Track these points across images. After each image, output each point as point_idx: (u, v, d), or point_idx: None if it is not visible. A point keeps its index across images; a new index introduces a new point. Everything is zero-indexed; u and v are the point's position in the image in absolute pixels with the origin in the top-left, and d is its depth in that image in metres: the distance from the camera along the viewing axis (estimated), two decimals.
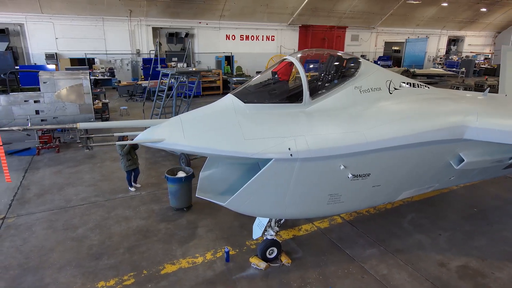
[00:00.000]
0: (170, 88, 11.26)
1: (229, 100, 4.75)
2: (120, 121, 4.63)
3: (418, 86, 6.11)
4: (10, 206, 7.83)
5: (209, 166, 5.71)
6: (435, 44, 39.11)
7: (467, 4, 34.43)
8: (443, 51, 39.98)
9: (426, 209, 7.89)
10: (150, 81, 20.36)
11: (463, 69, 31.87)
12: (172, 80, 11.51)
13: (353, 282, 5.56)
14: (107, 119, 15.09)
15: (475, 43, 41.60)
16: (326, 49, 6.10)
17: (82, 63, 23.63)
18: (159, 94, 11.34)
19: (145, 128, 4.66)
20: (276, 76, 5.05)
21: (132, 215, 7.52)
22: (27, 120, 8.48)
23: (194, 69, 10.59)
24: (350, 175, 4.78)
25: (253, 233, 5.94)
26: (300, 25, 31.11)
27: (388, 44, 37.25)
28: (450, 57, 37.14)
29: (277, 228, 5.80)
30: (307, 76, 5.07)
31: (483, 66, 34.90)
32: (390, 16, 33.35)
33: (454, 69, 32.31)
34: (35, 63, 22.90)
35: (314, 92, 5.02)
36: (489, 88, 7.82)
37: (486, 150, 5.55)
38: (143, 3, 23.99)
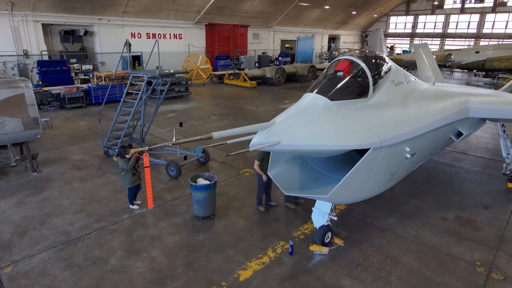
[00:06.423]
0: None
1: (316, 98, 5.04)
2: (238, 128, 4.35)
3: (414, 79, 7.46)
4: None
5: (272, 166, 5.84)
6: (320, 42, 44.49)
7: (342, 7, 40.33)
8: (325, 48, 45.82)
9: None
10: (65, 86, 17.73)
11: None
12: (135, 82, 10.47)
13: (400, 246, 6.57)
14: None
15: (348, 40, 49.09)
16: (371, 49, 6.85)
17: None
18: (126, 100, 10.12)
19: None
20: (343, 74, 5.53)
21: (158, 233, 6.87)
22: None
23: (171, 71, 9.85)
24: (408, 156, 5.70)
25: (314, 223, 6.32)
26: (206, 24, 31.15)
27: (283, 42, 40.56)
28: (333, 53, 42.87)
29: (334, 213, 6.34)
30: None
31: None
32: (285, 17, 36.43)
33: None
34: None
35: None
36: (435, 79, 9.95)
37: (471, 124, 7.30)
38: None
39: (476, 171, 10.39)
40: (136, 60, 26.22)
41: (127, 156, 7.39)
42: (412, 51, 40.16)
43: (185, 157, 9.95)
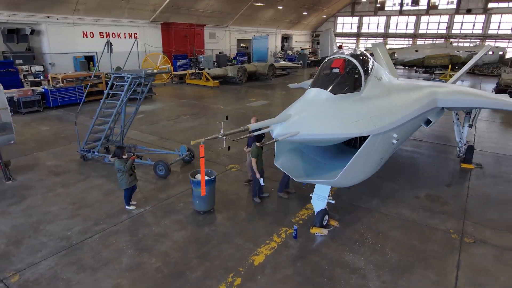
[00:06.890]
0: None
1: (321, 92, 5.58)
2: (260, 122, 4.67)
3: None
4: None
5: (277, 157, 6.29)
6: (273, 41, 45.66)
7: (294, 8, 41.84)
8: (279, 47, 47.13)
9: None
10: (19, 89, 16.48)
11: (301, 62, 38.93)
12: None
13: (387, 224, 7.40)
14: None
15: (300, 40, 51.01)
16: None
17: None
18: (107, 100, 9.82)
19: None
20: (339, 71, 6.11)
21: (163, 230, 6.96)
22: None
23: (154, 70, 9.71)
24: (395, 141, 6.49)
25: (315, 207, 6.87)
26: (162, 23, 30.52)
27: (239, 42, 40.99)
28: (287, 52, 44.25)
29: (331, 197, 6.95)
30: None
31: (311, 59, 43.39)
32: (240, 16, 36.92)
33: (294, 62, 38.96)
34: None
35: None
36: (397, 75, 11.07)
37: (436, 113, 8.37)
38: None
39: (434, 155, 11.75)
40: (91, 60, 25.06)
41: (124, 157, 7.34)
42: (365, 49, 42.94)
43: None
